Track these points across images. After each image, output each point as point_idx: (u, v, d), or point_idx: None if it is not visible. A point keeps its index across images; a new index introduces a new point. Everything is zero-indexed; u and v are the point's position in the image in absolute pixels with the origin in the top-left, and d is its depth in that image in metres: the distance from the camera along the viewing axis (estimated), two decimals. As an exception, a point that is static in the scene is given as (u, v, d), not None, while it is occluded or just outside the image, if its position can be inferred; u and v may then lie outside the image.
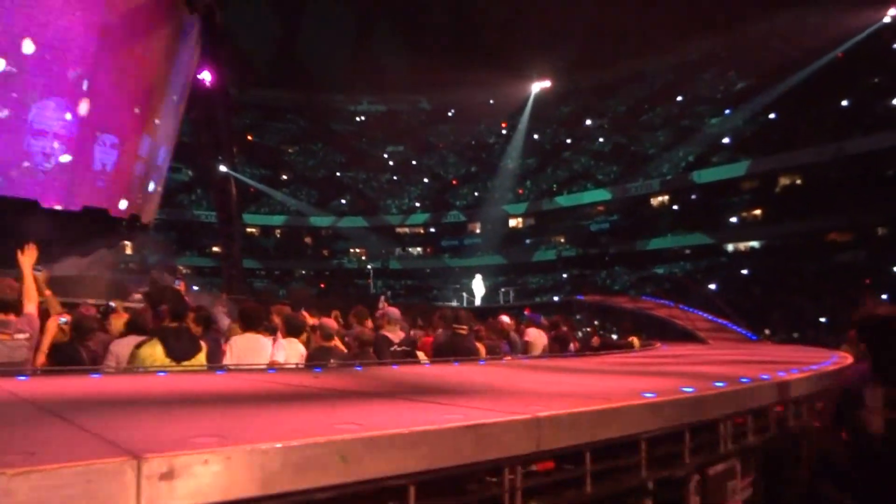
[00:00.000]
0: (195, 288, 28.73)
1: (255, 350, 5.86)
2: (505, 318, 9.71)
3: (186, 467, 1.44)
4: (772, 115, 43.09)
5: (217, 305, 8.37)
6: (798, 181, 40.61)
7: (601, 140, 54.59)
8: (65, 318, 5.90)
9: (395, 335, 7.03)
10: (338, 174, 61.10)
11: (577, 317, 27.41)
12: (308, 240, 57.90)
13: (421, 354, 7.27)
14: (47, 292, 6.29)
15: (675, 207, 46.45)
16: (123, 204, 22.35)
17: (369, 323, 8.22)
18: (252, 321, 6.13)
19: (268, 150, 59.94)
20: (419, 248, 57.95)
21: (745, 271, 38.28)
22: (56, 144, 19.42)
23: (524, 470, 2.16)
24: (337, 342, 6.86)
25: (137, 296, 14.88)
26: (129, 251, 35.19)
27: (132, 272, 29.48)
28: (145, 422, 2.03)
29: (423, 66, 60.44)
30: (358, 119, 66.94)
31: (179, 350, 4.38)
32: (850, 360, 6.72)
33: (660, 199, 48.13)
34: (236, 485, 1.50)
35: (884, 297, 24.83)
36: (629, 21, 49.52)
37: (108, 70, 20.12)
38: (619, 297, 35.16)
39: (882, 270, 30.09)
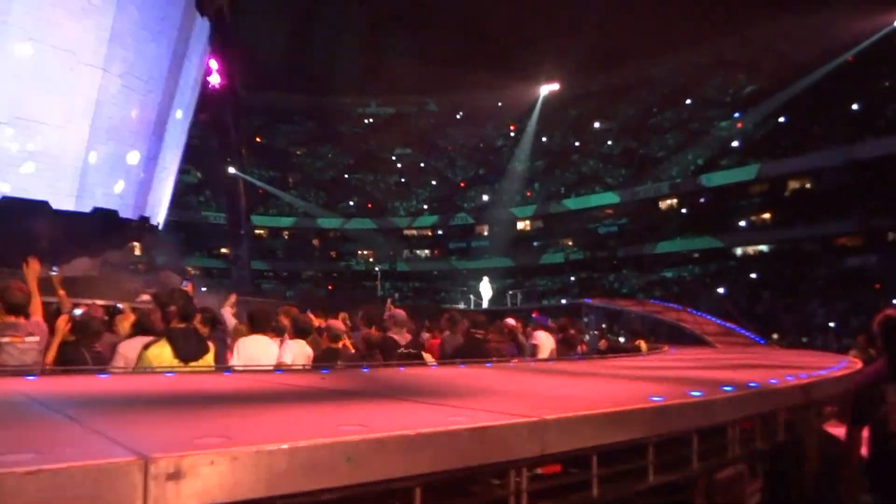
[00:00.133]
0: (203, 289, 28.83)
1: (262, 351, 5.87)
2: (511, 321, 9.69)
3: (193, 468, 1.44)
4: (782, 119, 42.90)
5: (225, 306, 8.37)
6: (808, 185, 40.42)
7: (610, 143, 54.46)
8: (79, 310, 5.93)
9: (402, 337, 7.04)
10: (346, 176, 61.18)
11: (585, 320, 27.32)
12: (316, 241, 57.96)
13: (428, 357, 7.27)
14: (61, 292, 6.33)
15: (683, 211, 46.30)
16: (133, 205, 22.45)
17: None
18: (259, 322, 6.14)
19: (276, 151, 60.07)
20: (427, 251, 57.94)
21: (753, 275, 38.11)
22: (67, 146, 19.52)
23: (530, 473, 2.16)
24: (346, 341, 6.87)
25: (146, 297, 14.93)
26: (138, 252, 35.32)
27: (141, 273, 29.59)
28: (153, 422, 2.04)
29: (431, 68, 60.42)
30: (366, 121, 67.01)
31: (187, 351, 4.39)
32: (859, 365, 6.68)
33: (668, 202, 47.98)
34: (242, 485, 1.51)
35: (895, 301, 24.70)
36: (639, 24, 49.41)
37: (119, 73, 20.22)
38: (627, 300, 35.05)
39: (892, 275, 29.90)
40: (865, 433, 4.01)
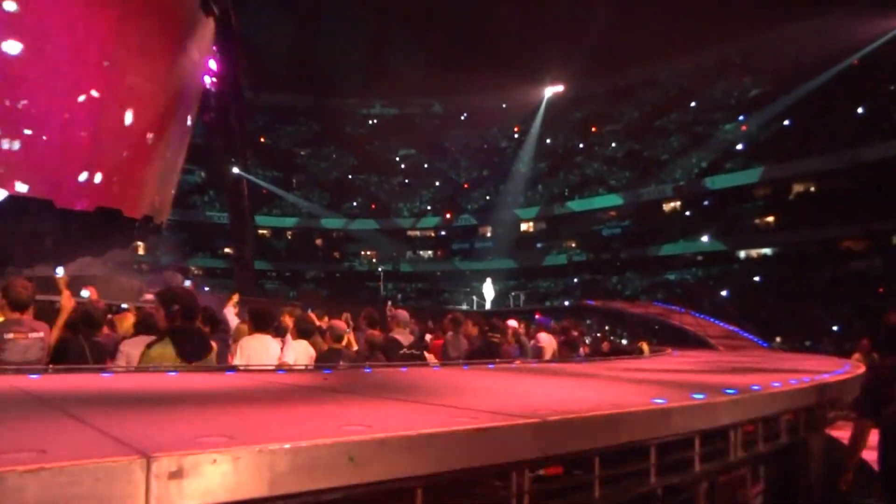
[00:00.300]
0: (206, 289, 28.88)
1: (264, 351, 5.87)
2: (512, 323, 9.69)
3: (195, 467, 1.45)
4: (786, 122, 42.85)
5: (227, 306, 8.38)
6: (812, 188, 40.34)
7: (614, 145, 54.43)
8: (87, 292, 5.94)
9: (405, 338, 7.04)
10: (350, 177, 61.25)
11: (588, 321, 27.34)
12: (319, 242, 58.03)
13: (431, 358, 7.27)
14: (66, 292, 6.36)
15: (687, 213, 46.25)
16: (137, 205, 22.49)
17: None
18: (262, 322, 6.15)
19: (280, 152, 60.19)
20: (430, 252, 57.95)
21: (757, 278, 38.05)
22: (70, 145, 19.56)
23: (532, 474, 2.16)
24: (350, 337, 6.87)
25: (149, 296, 14.96)
26: (141, 252, 35.39)
27: (145, 272, 29.65)
28: (155, 421, 2.04)
29: (435, 69, 60.54)
30: (370, 122, 67.09)
31: (190, 350, 4.39)
32: (862, 369, 6.66)
33: (672, 204, 47.93)
34: (244, 485, 1.51)
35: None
36: (643, 27, 49.36)
37: (122, 71, 20.27)
38: (630, 302, 35.06)
39: (896, 279, 29.86)
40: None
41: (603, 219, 50.51)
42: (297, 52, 66.57)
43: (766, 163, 41.49)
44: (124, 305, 9.07)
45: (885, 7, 37.10)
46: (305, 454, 1.61)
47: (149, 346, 4.41)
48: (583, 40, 49.75)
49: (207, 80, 28.08)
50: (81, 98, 19.56)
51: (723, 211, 42.72)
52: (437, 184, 60.92)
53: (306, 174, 60.41)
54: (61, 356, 4.86)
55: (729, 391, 3.39)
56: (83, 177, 20.08)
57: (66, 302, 5.88)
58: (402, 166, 63.14)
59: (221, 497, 1.47)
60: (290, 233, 57.86)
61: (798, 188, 41.28)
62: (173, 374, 3.91)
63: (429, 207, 58.66)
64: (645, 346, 12.28)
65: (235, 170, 35.28)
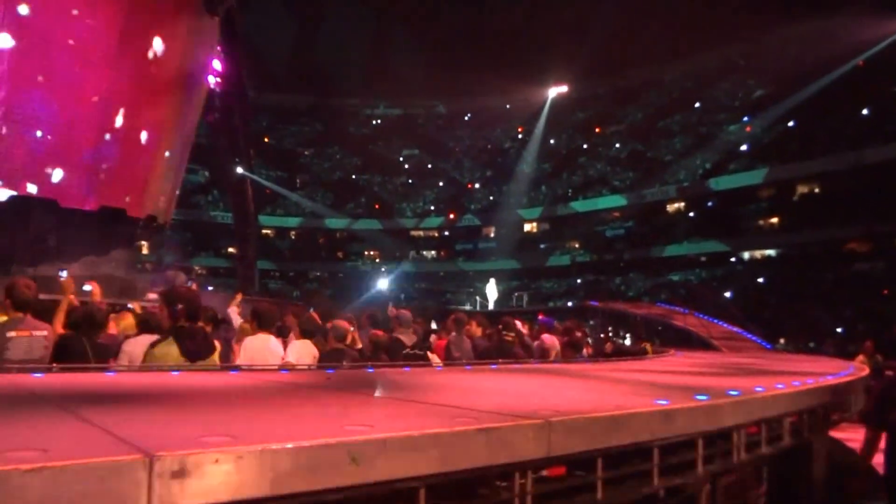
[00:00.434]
0: (209, 288, 28.91)
1: (267, 350, 5.88)
2: (516, 323, 9.67)
3: (198, 466, 1.45)
4: (790, 123, 42.79)
5: (231, 305, 8.39)
6: (816, 190, 40.30)
7: (618, 146, 54.42)
8: (89, 286, 5.96)
9: (408, 338, 7.04)
10: (353, 177, 61.31)
11: (591, 322, 27.33)
12: (323, 242, 58.10)
13: (434, 358, 7.27)
14: (70, 295, 6.37)
15: (691, 214, 46.21)
16: (141, 204, 22.53)
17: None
18: (265, 322, 6.15)
19: (284, 152, 60.29)
20: (433, 252, 57.97)
21: (761, 280, 38.01)
22: (73, 145, 19.60)
23: (535, 475, 2.15)
24: (354, 335, 6.87)
25: (153, 295, 14.98)
26: (145, 251, 35.44)
27: (148, 272, 29.69)
28: (158, 420, 2.04)
29: (439, 70, 60.54)
30: (374, 122, 67.18)
31: (194, 349, 4.40)
32: (866, 371, 6.65)
33: (676, 205, 47.89)
34: (247, 484, 1.51)
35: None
36: (648, 28, 49.35)
37: (126, 71, 20.30)
38: (634, 303, 35.03)
39: (900, 281, 29.81)
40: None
41: (606, 219, 50.49)
42: (300, 53, 66.68)
43: (769, 164, 41.44)
44: (130, 305, 9.08)
45: (889, 9, 37.03)
46: (308, 454, 1.61)
47: (152, 345, 4.42)
48: (587, 41, 49.78)
49: (211, 80, 28.12)
50: (86, 99, 19.59)
51: (726, 212, 42.65)
52: (441, 184, 60.97)
53: (310, 174, 60.50)
54: (63, 355, 4.86)
55: (732, 392, 3.38)
56: (87, 176, 20.11)
57: (67, 303, 5.89)
58: (406, 166, 63.19)
59: (224, 497, 1.47)
60: (293, 233, 57.94)
61: (802, 189, 41.24)
62: (176, 373, 3.91)
63: (432, 208, 58.70)
64: (648, 347, 12.26)
65: (239, 169, 35.31)
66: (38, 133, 18.72)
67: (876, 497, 4.32)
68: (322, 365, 5.76)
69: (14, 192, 18.32)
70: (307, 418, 2.23)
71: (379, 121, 67.21)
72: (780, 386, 4.02)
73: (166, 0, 21.80)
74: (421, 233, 58.60)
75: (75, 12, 18.76)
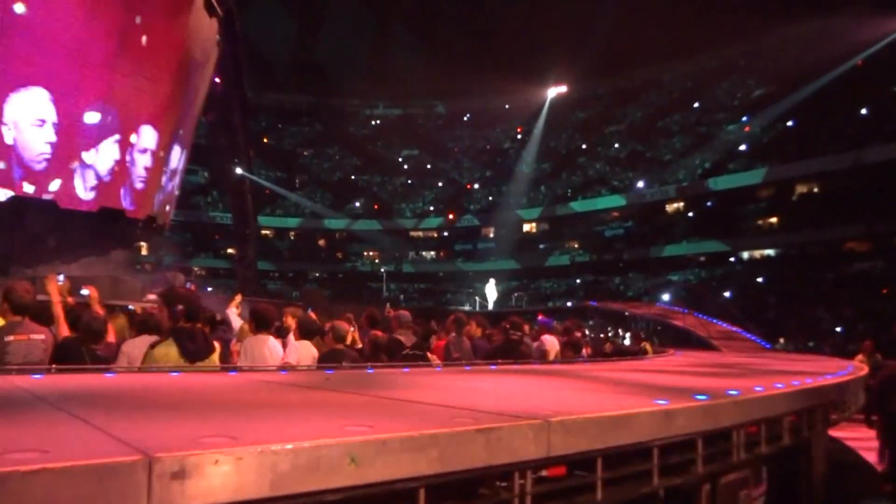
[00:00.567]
0: (209, 289, 28.91)
1: (266, 351, 5.88)
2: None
3: (197, 467, 1.45)
4: (790, 123, 42.81)
5: (230, 306, 8.39)
6: (815, 189, 40.29)
7: (617, 146, 54.42)
8: (86, 291, 5.96)
9: (408, 338, 7.04)
10: (353, 177, 61.30)
11: (590, 322, 27.34)
12: (322, 242, 58.09)
13: (434, 358, 7.27)
14: (70, 299, 6.37)
15: (690, 214, 46.21)
16: (140, 205, 22.52)
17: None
18: (264, 322, 6.15)
19: (283, 152, 60.29)
20: (433, 252, 57.97)
21: (760, 279, 38.00)
22: (73, 146, 19.60)
23: (534, 475, 2.16)
24: (354, 335, 6.88)
25: (152, 296, 14.97)
26: (144, 252, 35.45)
27: (147, 273, 29.69)
28: (157, 421, 2.04)
29: (439, 70, 60.58)
30: (373, 122, 67.18)
31: (193, 350, 4.40)
32: (865, 370, 6.65)
33: (675, 205, 47.89)
34: (247, 485, 1.51)
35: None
36: (647, 28, 49.37)
37: (127, 73, 20.30)
38: (633, 303, 35.04)
39: (899, 280, 29.81)
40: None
41: (606, 219, 50.48)
42: (300, 53, 66.71)
43: (769, 164, 41.44)
44: (131, 307, 9.08)
45: (888, 8, 37.06)
46: (307, 455, 1.61)
47: (152, 346, 4.42)
48: (586, 41, 49.80)
49: (212, 80, 28.10)
50: (85, 99, 19.60)
51: (726, 212, 42.64)
52: (440, 184, 60.97)
53: (309, 174, 60.50)
54: (63, 361, 4.86)
55: (732, 392, 3.39)
56: (87, 177, 20.11)
57: (61, 306, 5.87)
58: (405, 167, 63.19)
59: (223, 497, 1.48)
60: (292, 233, 57.93)
61: (801, 189, 41.23)
62: (176, 374, 3.91)
63: (431, 208, 58.70)
64: (648, 347, 12.27)
65: (238, 170, 35.33)
66: (37, 134, 18.71)
67: (876, 495, 4.33)
68: (321, 365, 5.76)
69: (12, 193, 18.32)
70: (307, 419, 2.23)
71: (378, 121, 67.22)
72: (779, 386, 4.02)
73: (167, 2, 21.78)
74: (420, 233, 58.60)
75: (74, 12, 18.74)
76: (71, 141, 19.46)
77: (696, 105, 51.57)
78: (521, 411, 2.31)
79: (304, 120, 64.19)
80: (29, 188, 18.69)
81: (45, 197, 19.06)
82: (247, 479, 1.51)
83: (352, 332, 6.80)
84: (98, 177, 20.48)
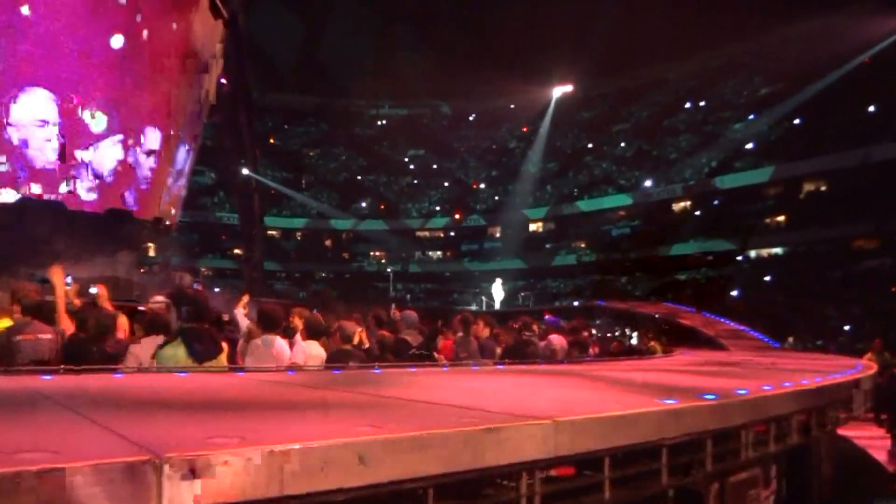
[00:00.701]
0: (217, 290, 28.96)
1: (274, 351, 5.88)
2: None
3: (207, 467, 1.45)
4: (797, 121, 42.64)
5: (237, 307, 8.39)
6: (823, 187, 40.13)
7: (623, 145, 54.30)
8: (95, 289, 5.97)
9: (414, 338, 7.04)
10: (359, 177, 61.32)
11: (597, 321, 27.27)
12: (328, 242, 58.13)
13: (441, 358, 7.27)
14: (77, 301, 6.39)
15: (697, 213, 46.06)
16: (147, 206, 22.57)
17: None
18: (271, 322, 6.16)
19: (290, 153, 60.33)
20: (439, 252, 57.95)
21: (768, 278, 37.86)
22: (76, 147, 19.66)
23: (542, 475, 2.15)
24: (362, 335, 6.88)
25: (160, 297, 14.99)
26: (151, 253, 35.53)
27: (155, 274, 29.75)
28: (167, 422, 2.05)
29: (444, 70, 60.57)
30: (379, 123, 67.18)
31: (202, 351, 4.41)
32: (874, 368, 6.63)
33: (682, 204, 47.74)
34: (256, 485, 1.52)
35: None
36: (653, 26, 49.25)
37: (132, 73, 20.34)
38: (640, 302, 34.91)
39: (909, 278, 29.67)
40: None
41: (612, 219, 50.35)
42: (305, 53, 66.78)
43: (776, 162, 41.29)
44: (142, 308, 9.07)
45: (895, 6, 36.88)
46: (316, 455, 1.62)
47: (160, 346, 4.44)
48: (592, 40, 49.69)
49: (219, 81, 28.13)
50: (90, 100, 19.64)
51: (733, 210, 42.49)
52: (446, 184, 60.95)
53: (315, 175, 60.52)
54: (72, 360, 4.88)
55: (740, 391, 3.38)
56: (90, 178, 20.16)
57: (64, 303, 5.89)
58: (411, 167, 63.18)
59: (233, 497, 1.48)
60: (299, 233, 57.97)
61: (809, 187, 41.07)
62: (184, 374, 3.93)
63: (438, 208, 58.68)
64: (655, 347, 12.23)
65: (245, 171, 35.38)
66: (41, 134, 18.76)
67: (886, 493, 4.31)
68: (329, 365, 5.77)
69: (20, 194, 18.38)
70: (315, 419, 2.23)
71: (384, 121, 67.21)
72: (787, 384, 4.01)
73: (171, 2, 21.81)
74: (427, 233, 58.57)
75: (77, 12, 18.79)
76: (74, 142, 19.50)
77: (702, 103, 51.43)
78: (529, 411, 2.31)
79: (309, 120, 64.24)
80: (35, 189, 18.74)
81: (52, 198, 19.11)
82: (256, 479, 1.52)
83: (360, 333, 6.80)
84: (101, 177, 20.51)
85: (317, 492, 1.61)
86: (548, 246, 52.13)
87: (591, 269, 46.83)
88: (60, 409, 2.28)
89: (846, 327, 27.62)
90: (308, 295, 41.82)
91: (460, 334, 8.26)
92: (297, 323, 7.33)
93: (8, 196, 18.18)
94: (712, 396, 3.09)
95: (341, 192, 58.82)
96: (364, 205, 58.69)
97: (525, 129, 61.67)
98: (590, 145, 56.53)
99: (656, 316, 27.98)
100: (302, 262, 55.24)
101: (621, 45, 50.19)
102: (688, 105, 52.48)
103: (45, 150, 18.99)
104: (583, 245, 50.04)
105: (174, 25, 21.87)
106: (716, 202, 44.80)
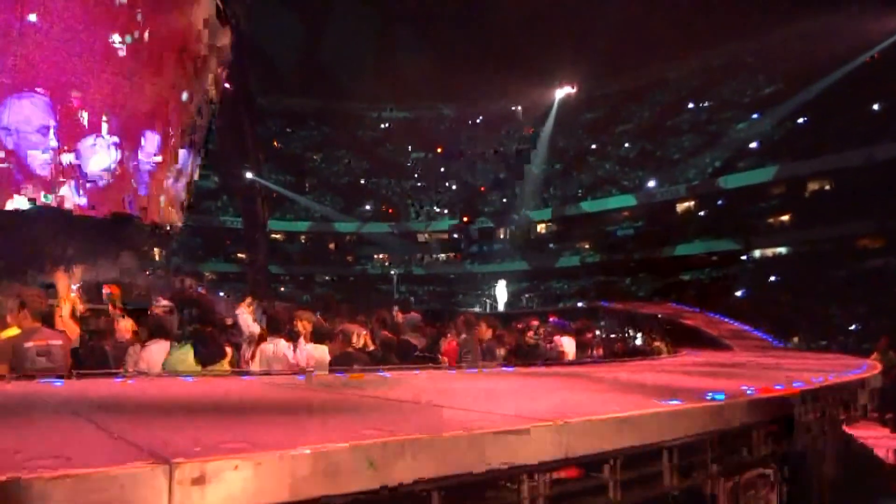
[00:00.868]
0: (221, 294, 28.99)
1: (279, 355, 5.90)
2: (534, 323, 9.69)
3: (217, 473, 1.46)
4: (800, 120, 42.53)
5: (240, 307, 8.40)
6: (827, 186, 40.00)
7: (626, 145, 54.20)
8: (107, 290, 5.99)
9: (418, 340, 7.05)
10: (362, 180, 61.32)
11: (602, 322, 27.22)
12: (332, 245, 58.10)
13: (445, 360, 7.28)
14: (81, 307, 6.42)
15: (701, 213, 45.97)
16: (152, 210, 22.62)
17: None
18: (275, 326, 6.17)
19: (293, 156, 60.35)
20: (442, 254, 57.89)
21: (772, 278, 37.76)
22: (74, 151, 19.73)
23: (549, 477, 2.16)
24: (366, 338, 6.88)
25: (164, 301, 15.01)
26: (156, 257, 35.58)
27: (159, 278, 29.80)
28: (177, 427, 2.06)
29: (447, 72, 60.59)
30: (382, 126, 67.18)
31: (207, 355, 4.43)
32: (879, 368, 6.62)
33: (686, 204, 47.63)
34: (266, 490, 1.52)
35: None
36: (656, 26, 49.22)
37: (137, 79, 20.39)
38: (645, 303, 34.85)
39: (913, 277, 29.56)
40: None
41: (616, 219, 50.22)
42: (308, 57, 66.88)
43: (780, 161, 41.17)
44: (148, 310, 9.08)
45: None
46: (326, 459, 1.62)
47: (169, 351, 4.46)
48: (594, 41, 49.69)
49: (222, 85, 28.19)
50: (94, 107, 19.70)
51: (737, 210, 42.38)
52: (449, 186, 60.91)
53: (319, 178, 60.52)
54: (82, 363, 4.90)
55: (745, 392, 3.38)
56: (87, 182, 20.22)
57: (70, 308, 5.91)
58: (414, 170, 63.18)
59: (243, 502, 1.49)
60: (303, 237, 57.92)
61: (813, 186, 40.94)
62: (192, 379, 3.94)
63: (441, 210, 58.64)
64: (660, 347, 12.23)
65: (248, 174, 35.45)
66: (40, 140, 18.83)
67: (892, 494, 4.30)
68: (335, 368, 5.78)
69: (24, 199, 18.45)
70: (323, 423, 2.24)
71: (387, 124, 67.21)
72: (795, 384, 4.01)
73: (175, 8, 21.86)
74: (430, 235, 58.54)
75: (76, 16, 18.84)
76: (73, 146, 19.56)
77: (705, 103, 51.32)
78: (537, 413, 2.31)
79: (312, 124, 64.26)
80: (36, 194, 18.80)
81: (54, 203, 19.18)
82: (266, 484, 1.52)
83: (363, 335, 6.80)
84: (100, 181, 20.56)
85: (327, 496, 1.61)
86: (552, 247, 52.04)
87: (595, 270, 46.77)
88: (71, 416, 2.29)
89: (851, 327, 27.54)
90: (312, 298, 41.82)
91: (464, 336, 8.27)
92: (301, 327, 7.34)
93: (21, 203, 18.26)
94: (717, 397, 3.09)
95: (344, 195, 58.81)
96: (367, 208, 58.69)
97: (528, 131, 61.59)
98: (593, 146, 56.44)
99: (659, 316, 27.92)
100: (306, 266, 55.19)
101: (623, 45, 50.22)
102: (691, 105, 52.35)
103: (42, 154, 19.05)
104: (586, 246, 49.97)
105: (174, 29, 21.92)
106: (719, 202, 44.66)
